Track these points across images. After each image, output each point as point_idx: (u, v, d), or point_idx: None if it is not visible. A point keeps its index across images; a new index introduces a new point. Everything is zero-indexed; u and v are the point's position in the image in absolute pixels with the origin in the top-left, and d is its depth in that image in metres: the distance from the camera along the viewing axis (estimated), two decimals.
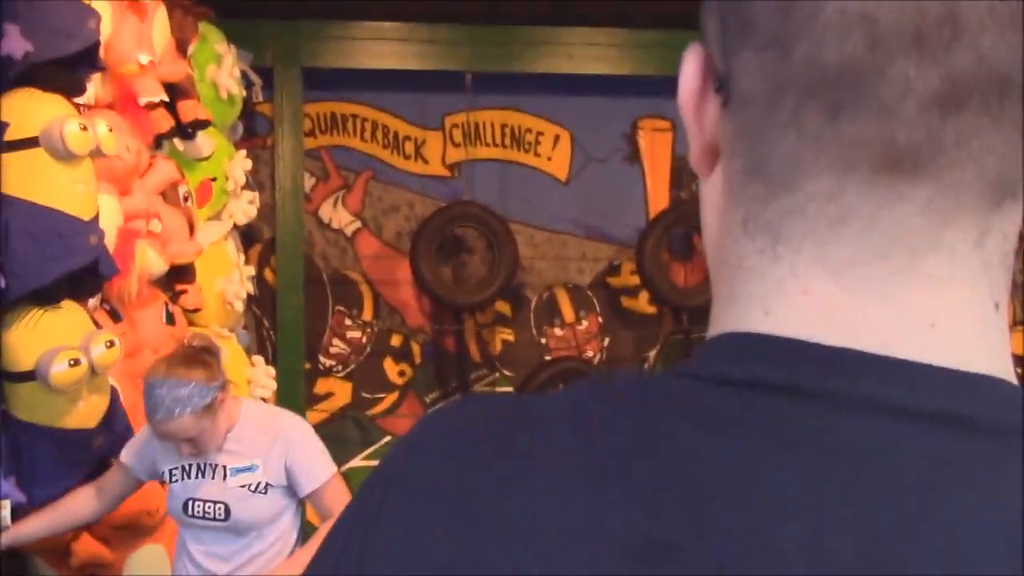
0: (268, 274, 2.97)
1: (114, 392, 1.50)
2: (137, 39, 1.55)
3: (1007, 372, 0.44)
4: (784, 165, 0.43)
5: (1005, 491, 0.39)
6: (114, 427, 1.50)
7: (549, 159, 3.14)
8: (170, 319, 1.72)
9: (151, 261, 1.59)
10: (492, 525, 0.42)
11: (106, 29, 1.49)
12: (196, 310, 1.97)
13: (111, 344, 1.39)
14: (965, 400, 0.42)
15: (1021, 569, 0.38)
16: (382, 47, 2.83)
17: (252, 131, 2.92)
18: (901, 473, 0.40)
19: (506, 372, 3.12)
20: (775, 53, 0.42)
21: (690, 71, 0.46)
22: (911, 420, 0.41)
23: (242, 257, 2.38)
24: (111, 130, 1.42)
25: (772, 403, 0.42)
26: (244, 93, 2.33)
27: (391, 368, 3.10)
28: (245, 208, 2.26)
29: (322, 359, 3.06)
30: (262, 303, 2.94)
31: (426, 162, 3.10)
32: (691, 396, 0.43)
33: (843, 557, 0.39)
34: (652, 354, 3.17)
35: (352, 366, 3.08)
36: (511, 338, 3.12)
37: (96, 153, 1.40)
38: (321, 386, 3.06)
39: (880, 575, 0.38)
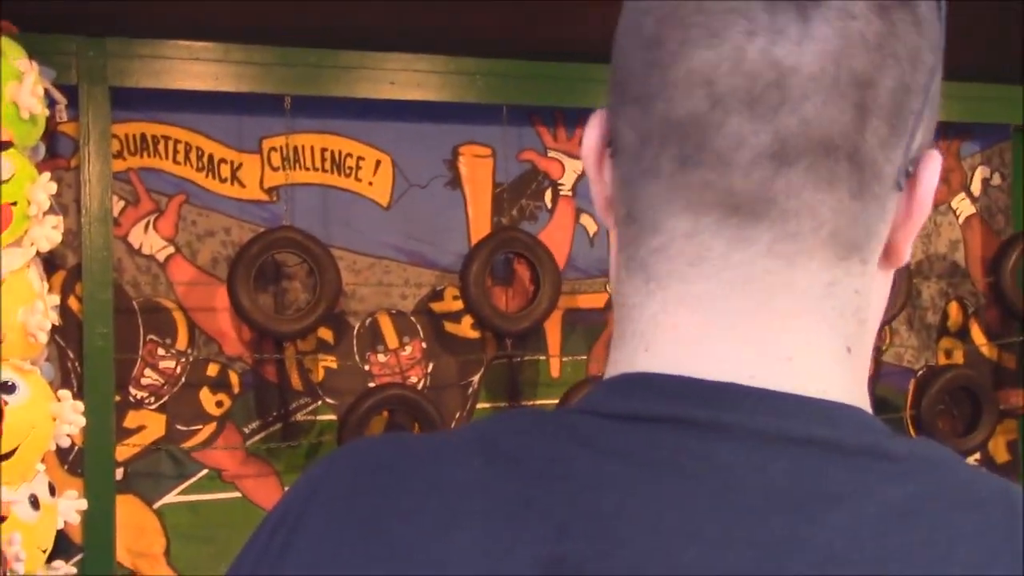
0: (73, 302, 2.81)
1: None
2: None
3: (861, 402, 0.49)
4: (649, 207, 0.49)
5: (871, 507, 0.43)
6: None
7: (370, 184, 3.12)
8: None
9: None
10: (401, 550, 0.44)
11: None
12: None
13: None
14: (828, 426, 0.45)
15: (893, 571, 0.42)
16: (196, 67, 2.74)
17: (55, 152, 2.77)
18: (778, 494, 0.43)
19: (329, 400, 3.06)
20: (640, 108, 0.48)
21: (592, 132, 0.53)
22: (783, 445, 0.44)
23: (46, 286, 2.24)
24: None
25: (660, 434, 0.46)
26: (47, 112, 2.20)
27: (208, 399, 2.98)
28: (48, 234, 2.13)
29: (133, 391, 2.92)
30: (67, 333, 2.78)
31: (243, 186, 3.02)
32: (591, 430, 0.47)
33: (727, 570, 0.42)
34: (476, 378, 3.19)
35: (166, 398, 2.95)
36: (334, 365, 3.07)
37: None
38: (132, 419, 2.91)
39: None
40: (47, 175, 2.10)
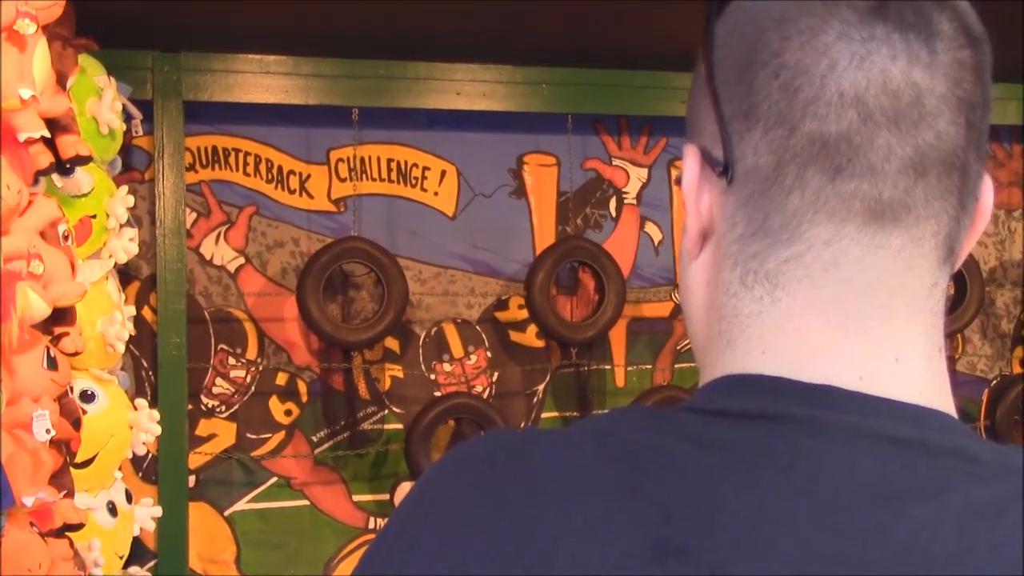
0: (147, 313, 2.87)
1: None
2: (18, 72, 1.48)
3: (949, 406, 0.54)
4: (786, 222, 0.53)
5: (955, 505, 0.47)
6: None
7: (436, 194, 3.14)
8: (52, 364, 1.64)
9: (33, 304, 1.51)
10: (522, 526, 0.48)
11: None
12: (76, 353, 1.88)
13: None
14: (917, 427, 0.50)
15: (970, 568, 0.46)
16: (266, 80, 2.78)
17: (130, 165, 2.83)
18: (865, 487, 0.48)
19: (396, 409, 3.08)
20: (782, 130, 0.52)
21: (690, 167, 0.57)
22: (872, 443, 0.49)
23: (122, 297, 2.29)
24: None
25: (759, 430, 0.50)
26: (124, 127, 2.25)
27: (277, 407, 3.02)
28: (126, 246, 2.18)
29: (204, 400, 2.97)
30: (141, 343, 2.83)
31: (311, 197, 3.05)
32: (696, 425, 0.51)
33: (826, 560, 0.46)
34: (541, 387, 3.19)
35: (236, 406, 2.99)
36: (400, 374, 3.09)
37: None
38: (203, 428, 2.96)
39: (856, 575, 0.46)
40: (124, 188, 2.15)
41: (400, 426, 3.06)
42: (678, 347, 3.27)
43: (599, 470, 0.50)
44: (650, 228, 3.28)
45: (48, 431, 1.58)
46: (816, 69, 0.52)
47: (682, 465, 0.50)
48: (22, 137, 1.57)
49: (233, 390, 2.99)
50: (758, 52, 0.54)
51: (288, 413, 3.03)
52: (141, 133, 2.60)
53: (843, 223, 0.53)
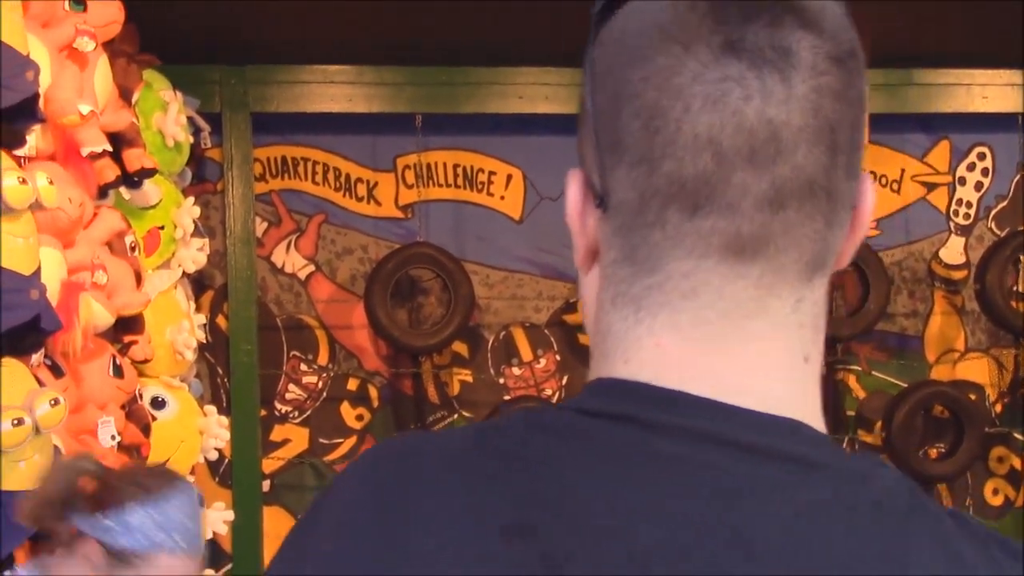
0: (221, 321, 2.93)
1: (56, 452, 1.46)
2: (78, 89, 1.52)
3: (812, 415, 0.57)
4: (649, 253, 0.57)
5: (783, 506, 0.52)
6: None
7: (502, 198, 3.14)
8: (118, 372, 1.68)
9: (96, 314, 1.56)
10: (398, 519, 0.55)
11: (45, 80, 1.47)
12: (146, 361, 1.93)
13: (56, 402, 1.36)
14: (757, 434, 0.54)
15: (793, 565, 0.50)
16: (331, 90, 2.82)
17: (202, 177, 2.89)
18: (699, 482, 0.53)
19: (465, 413, 3.09)
20: (644, 169, 0.55)
21: (573, 191, 0.61)
22: (712, 445, 0.54)
23: (192, 305, 2.34)
24: (51, 182, 1.39)
25: (612, 427, 0.55)
26: (192, 140, 2.31)
27: (348, 413, 3.06)
28: (195, 255, 2.23)
29: (278, 405, 3.02)
30: (216, 351, 2.89)
31: (379, 204, 3.09)
32: (565, 422, 0.56)
33: (657, 547, 0.51)
34: None
35: (308, 412, 3.04)
36: (469, 379, 3.10)
37: (36, 206, 1.37)
38: (277, 433, 3.01)
39: (693, 572, 0.51)
40: (191, 199, 2.20)
41: None
42: None
43: (469, 462, 0.56)
44: None
45: (113, 437, 1.62)
46: (672, 112, 0.54)
47: (542, 456, 0.55)
48: (85, 152, 1.61)
49: (305, 396, 3.03)
50: (623, 89, 0.56)
51: (360, 418, 3.06)
52: (210, 145, 2.66)
53: (702, 258, 0.56)
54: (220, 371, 2.94)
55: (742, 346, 0.56)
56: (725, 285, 0.55)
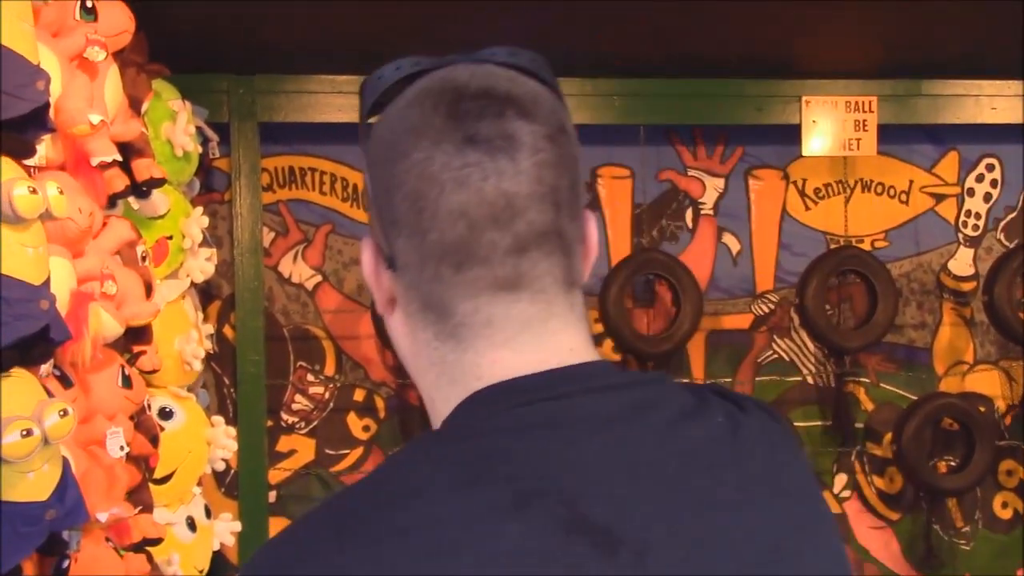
0: (228, 331, 2.92)
1: (65, 462, 1.45)
2: (88, 99, 1.52)
3: (604, 359, 0.79)
4: (440, 300, 0.74)
5: (639, 428, 0.73)
6: (65, 499, 1.45)
7: None
8: (127, 382, 1.67)
9: (105, 324, 1.55)
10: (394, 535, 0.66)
11: (56, 90, 1.46)
12: (154, 371, 1.92)
13: (64, 413, 1.35)
14: (602, 378, 0.75)
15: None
16: (338, 100, 2.82)
17: (210, 187, 2.89)
18: (616, 414, 0.73)
19: None
20: (417, 239, 0.73)
21: (367, 254, 0.79)
22: (597, 392, 0.74)
23: (200, 315, 2.33)
24: (61, 192, 1.39)
25: (553, 405, 0.72)
26: (200, 149, 2.30)
27: (355, 423, 3.05)
28: (203, 265, 2.23)
29: (284, 416, 3.01)
30: (222, 361, 2.89)
31: None
32: (503, 421, 0.72)
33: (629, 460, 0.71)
34: None
35: (315, 422, 3.03)
36: None
37: (46, 216, 1.37)
38: (283, 443, 3.00)
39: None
40: (200, 209, 2.19)
41: None
42: (759, 359, 3.21)
43: (443, 481, 0.69)
44: (728, 239, 3.22)
45: (122, 448, 1.61)
46: (430, 194, 0.71)
47: (509, 447, 0.70)
48: (95, 162, 1.61)
49: (312, 406, 3.03)
50: (392, 178, 0.73)
51: (366, 429, 3.05)
52: (218, 155, 2.66)
53: (476, 298, 0.73)
54: (227, 381, 2.93)
55: (555, 339, 0.75)
56: (509, 311, 0.74)
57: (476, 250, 0.72)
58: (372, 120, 0.79)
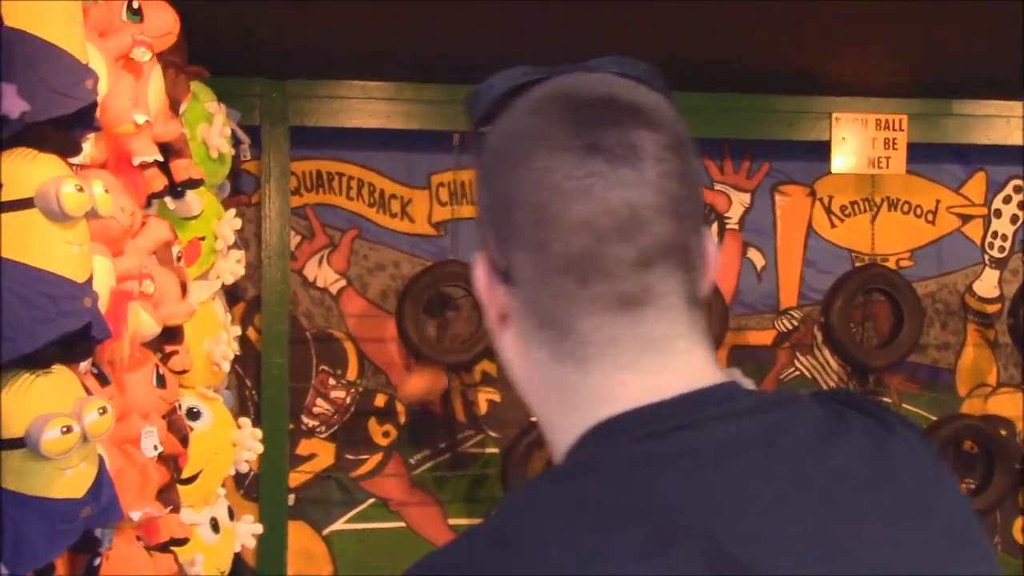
0: (251, 333, 2.92)
1: (100, 460, 1.45)
2: (133, 99, 1.53)
3: (731, 381, 0.74)
4: (562, 318, 0.71)
5: (780, 453, 0.68)
6: (100, 497, 1.45)
7: None
8: (161, 382, 1.68)
9: (144, 323, 1.55)
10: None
11: (102, 89, 1.47)
12: (184, 371, 1.92)
13: (104, 411, 1.35)
14: (734, 401, 0.70)
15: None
16: (370, 106, 2.83)
17: (238, 189, 2.90)
18: (758, 437, 0.68)
19: (492, 432, 3.08)
20: (538, 252, 0.70)
21: (479, 270, 0.76)
22: (731, 418, 0.69)
23: (228, 317, 2.34)
24: (107, 191, 1.39)
25: (685, 436, 0.68)
26: (233, 152, 2.31)
27: (375, 429, 3.05)
28: (233, 267, 2.23)
29: (305, 419, 3.01)
30: (245, 363, 2.89)
31: (412, 221, 3.09)
32: (627, 458, 0.67)
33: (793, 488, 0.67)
34: None
35: (336, 427, 3.03)
36: (496, 398, 3.09)
37: (92, 214, 1.37)
38: (304, 447, 3.00)
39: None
40: (232, 211, 2.20)
41: (496, 450, 3.05)
42: (781, 376, 3.20)
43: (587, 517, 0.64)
44: (752, 254, 3.22)
45: (156, 447, 1.61)
46: (552, 204, 0.68)
47: (644, 482, 0.65)
48: (136, 161, 1.62)
49: (333, 410, 3.03)
50: (509, 188, 0.71)
51: (386, 435, 3.05)
52: (249, 158, 2.67)
53: (601, 315, 0.70)
54: (249, 383, 2.94)
55: (682, 360, 0.71)
56: (632, 330, 0.70)
57: (601, 263, 0.68)
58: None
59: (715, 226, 3.21)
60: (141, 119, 1.52)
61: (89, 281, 1.40)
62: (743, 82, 2.88)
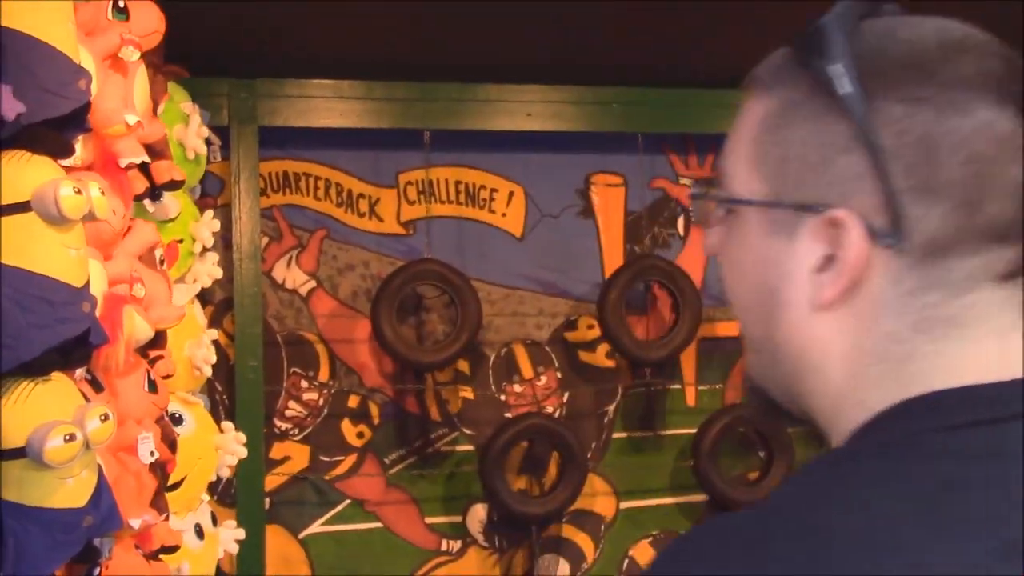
0: (220, 336, 2.88)
1: (98, 469, 1.43)
2: (123, 99, 1.50)
3: None
4: (963, 280, 0.65)
5: None
6: (100, 506, 1.42)
7: (504, 215, 3.14)
8: (152, 387, 1.65)
9: (139, 327, 1.53)
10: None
11: (93, 89, 1.44)
12: (167, 376, 1.89)
13: (105, 418, 1.33)
14: None
15: None
16: (340, 105, 2.81)
17: (203, 191, 2.85)
18: None
19: (466, 430, 3.07)
20: (967, 211, 0.63)
21: (859, 232, 0.65)
22: None
23: (205, 320, 2.31)
24: (103, 193, 1.37)
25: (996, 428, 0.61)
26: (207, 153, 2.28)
27: (349, 430, 3.03)
28: (210, 270, 2.20)
29: (278, 422, 2.98)
30: (215, 366, 2.84)
31: (381, 220, 3.07)
32: (962, 441, 0.61)
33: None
34: (612, 408, 3.17)
35: (309, 429, 3.00)
36: (471, 396, 3.09)
37: (88, 217, 1.35)
38: (278, 450, 2.97)
39: None
40: (210, 213, 2.17)
41: (471, 447, 3.05)
42: None
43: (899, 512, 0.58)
44: None
45: (152, 453, 1.59)
46: (997, 160, 0.63)
47: (977, 476, 0.59)
48: (124, 163, 1.59)
49: (306, 412, 3.00)
50: (943, 138, 0.63)
51: (360, 435, 3.03)
52: (219, 159, 2.63)
53: (993, 282, 0.65)
54: (219, 387, 2.90)
55: None
56: (1005, 302, 0.66)
57: (1014, 230, 0.64)
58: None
59: (681, 219, 3.24)
60: (132, 120, 1.49)
61: (87, 285, 1.37)
62: (707, 78, 2.91)
